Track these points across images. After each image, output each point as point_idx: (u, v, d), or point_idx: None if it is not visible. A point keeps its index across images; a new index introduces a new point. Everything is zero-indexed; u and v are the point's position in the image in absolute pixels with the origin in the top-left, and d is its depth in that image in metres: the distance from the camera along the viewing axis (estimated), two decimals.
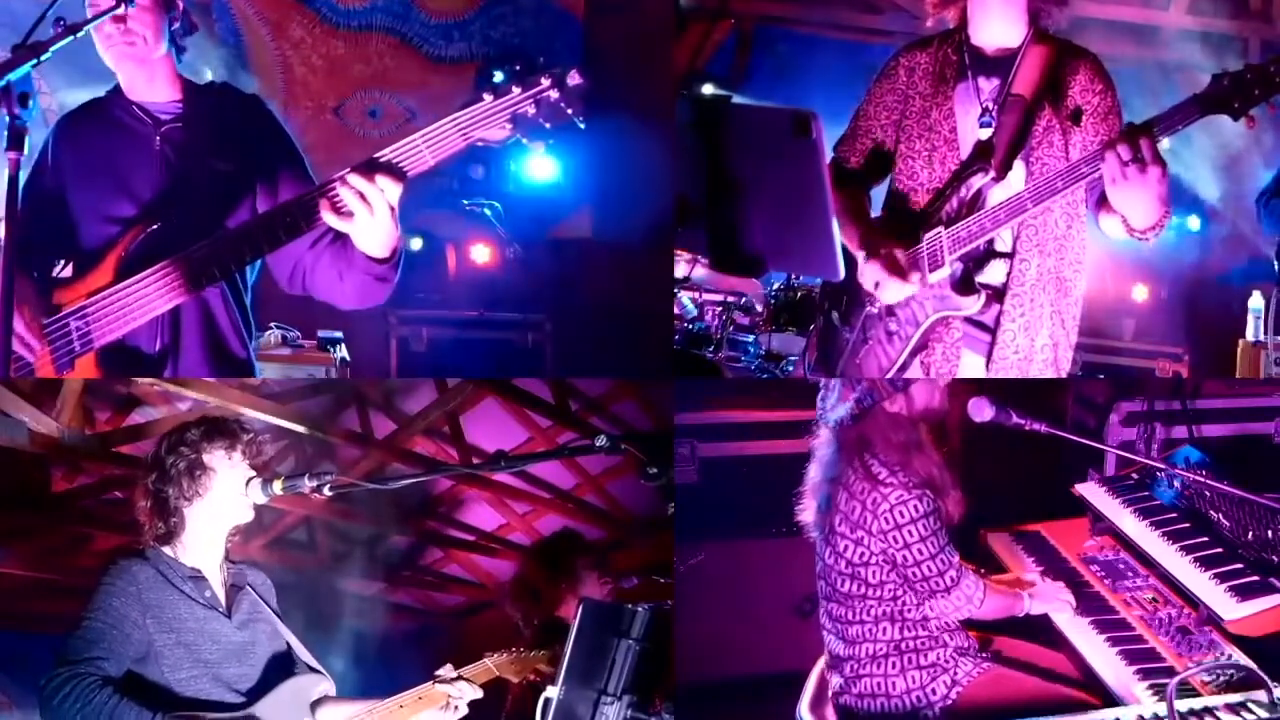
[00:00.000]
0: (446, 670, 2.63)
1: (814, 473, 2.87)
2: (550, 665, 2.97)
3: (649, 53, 6.34)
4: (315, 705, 2.53)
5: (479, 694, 2.66)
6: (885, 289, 2.96)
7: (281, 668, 2.54)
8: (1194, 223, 7.36)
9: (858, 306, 3.12)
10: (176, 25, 2.84)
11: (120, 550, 2.47)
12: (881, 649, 2.73)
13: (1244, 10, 6.63)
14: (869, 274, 2.98)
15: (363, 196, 2.52)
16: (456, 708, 2.60)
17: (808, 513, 2.88)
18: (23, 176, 2.29)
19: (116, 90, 2.87)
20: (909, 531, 2.66)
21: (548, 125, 2.52)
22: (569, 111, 2.52)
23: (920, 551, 2.67)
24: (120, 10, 2.61)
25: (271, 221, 2.61)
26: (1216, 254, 7.32)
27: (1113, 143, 2.69)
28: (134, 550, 2.46)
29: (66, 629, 2.32)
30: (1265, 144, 6.42)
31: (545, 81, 2.50)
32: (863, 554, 2.71)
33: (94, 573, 2.40)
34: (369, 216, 2.54)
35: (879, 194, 3.22)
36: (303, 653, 2.60)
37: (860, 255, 3.00)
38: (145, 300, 2.63)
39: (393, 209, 2.56)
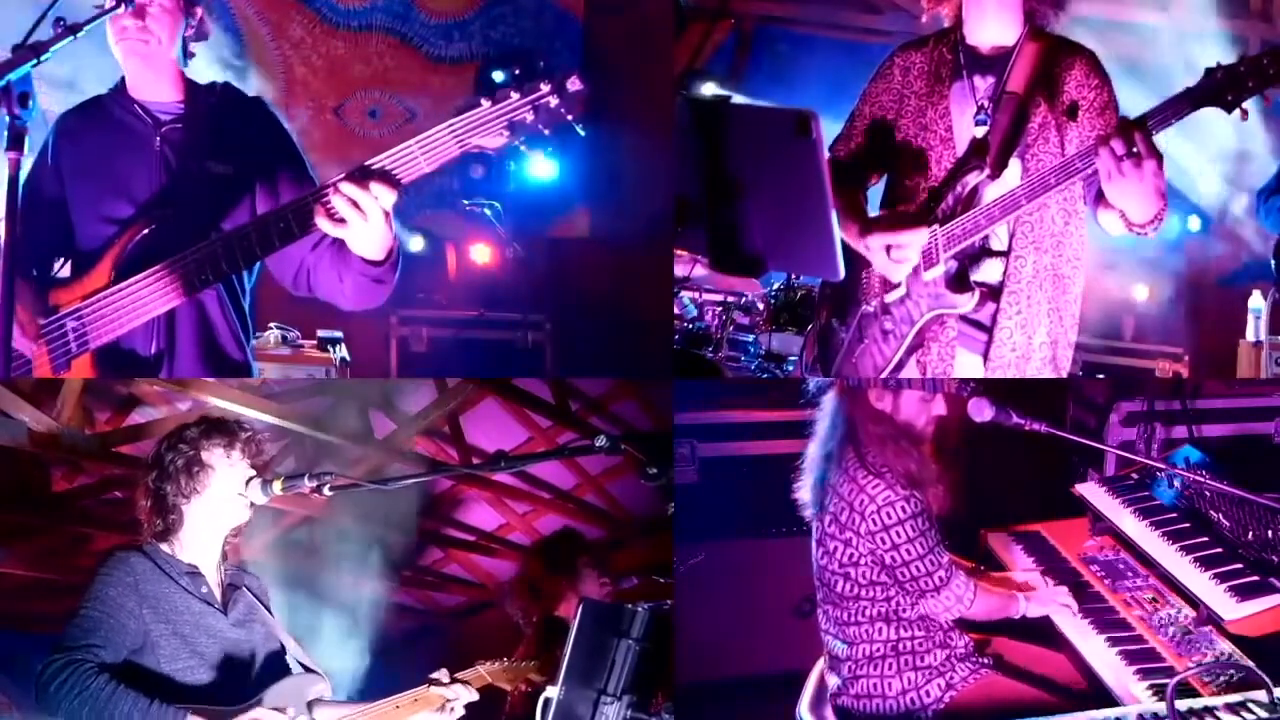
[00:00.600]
0: (442, 674, 2.63)
1: (812, 448, 2.88)
2: (542, 675, 2.97)
3: (649, 53, 6.34)
4: (312, 705, 2.53)
5: (475, 697, 2.66)
6: (899, 247, 2.92)
7: (278, 667, 2.55)
8: (1194, 223, 7.36)
9: (854, 306, 3.12)
10: (191, 32, 2.85)
11: (118, 544, 2.48)
12: (879, 649, 2.73)
13: (1244, 10, 6.64)
14: (876, 243, 2.95)
15: (356, 204, 2.51)
16: (453, 709, 2.60)
17: (804, 490, 2.88)
18: (23, 174, 2.29)
19: (118, 88, 2.86)
20: (896, 533, 2.66)
21: (546, 132, 2.49)
22: (568, 118, 2.48)
23: (908, 552, 2.67)
24: (120, 10, 2.61)
25: (266, 226, 2.61)
26: (1216, 254, 7.33)
27: (1106, 138, 2.67)
28: (131, 544, 2.47)
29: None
30: (1267, 142, 6.43)
31: (544, 87, 2.46)
32: (852, 555, 2.71)
33: (93, 571, 2.41)
34: (363, 223, 2.53)
35: (875, 195, 3.22)
36: (300, 654, 2.60)
37: (862, 243, 2.98)
38: (141, 302, 2.63)
39: (387, 214, 2.55)
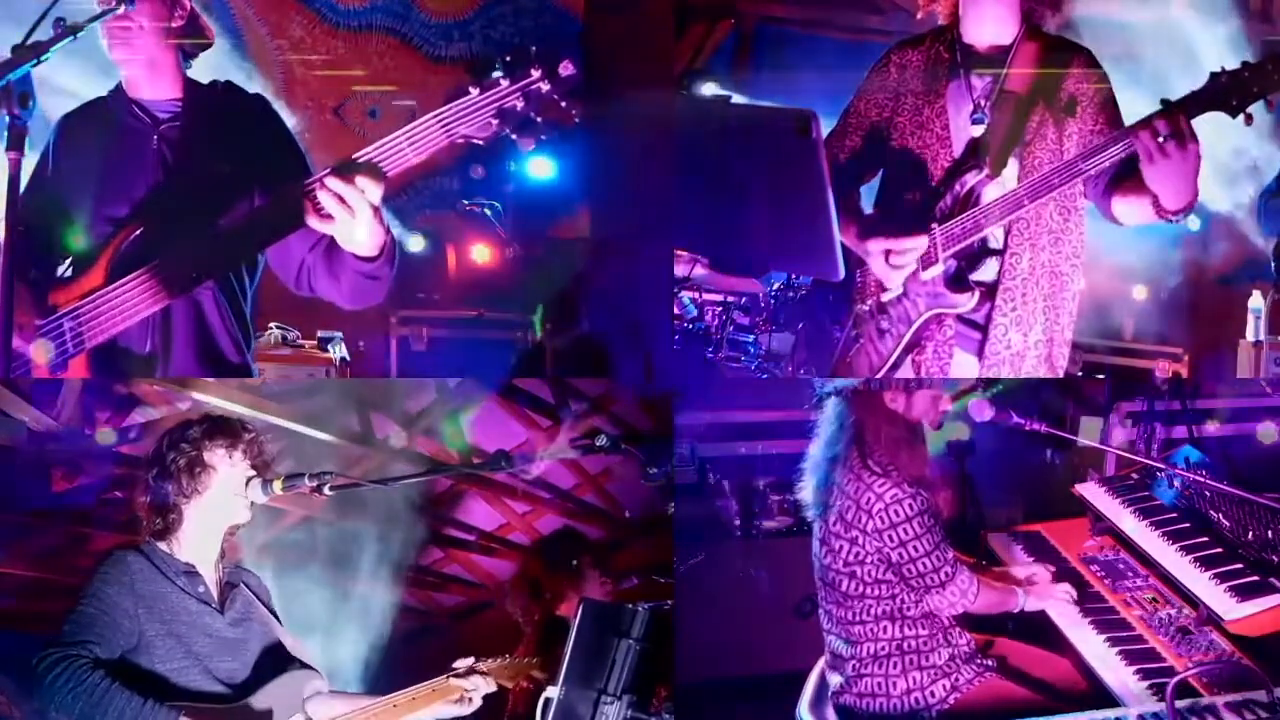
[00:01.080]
0: (462, 663, 2.61)
1: (815, 450, 2.87)
2: (543, 671, 2.96)
3: (649, 53, 6.33)
4: (308, 701, 2.53)
5: (493, 688, 2.64)
6: (899, 254, 2.93)
7: (274, 664, 2.54)
8: (1194, 223, 7.34)
9: (849, 304, 3.12)
10: (180, 23, 2.82)
11: (117, 544, 2.48)
12: (884, 648, 2.73)
13: (1244, 10, 6.64)
14: (875, 248, 2.95)
15: (341, 199, 2.47)
16: (471, 700, 2.59)
17: (806, 490, 2.88)
18: (24, 176, 2.29)
19: (118, 89, 2.86)
20: (904, 530, 2.66)
21: (539, 119, 2.43)
22: (561, 104, 2.43)
23: (915, 549, 2.67)
24: (121, 10, 2.61)
25: (254, 223, 2.59)
26: (1216, 254, 7.31)
27: (1149, 120, 2.65)
28: (129, 544, 2.47)
29: None
30: (1267, 144, 6.41)
31: (534, 73, 2.41)
32: (858, 553, 2.71)
33: (92, 571, 2.41)
34: (349, 218, 2.48)
35: (870, 192, 3.21)
36: (297, 651, 2.60)
37: (860, 246, 2.98)
38: (133, 302, 2.62)
39: (376, 209, 2.50)
